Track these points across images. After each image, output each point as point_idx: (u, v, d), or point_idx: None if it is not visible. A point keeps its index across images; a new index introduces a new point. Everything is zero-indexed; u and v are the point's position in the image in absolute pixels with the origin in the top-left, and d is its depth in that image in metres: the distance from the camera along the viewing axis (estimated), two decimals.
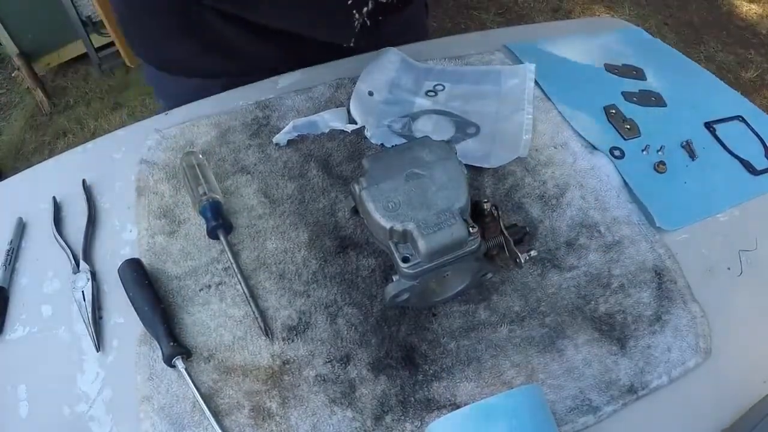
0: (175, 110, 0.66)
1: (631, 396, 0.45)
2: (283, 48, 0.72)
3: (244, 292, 0.50)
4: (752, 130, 0.65)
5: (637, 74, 0.71)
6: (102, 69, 2.12)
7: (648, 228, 0.55)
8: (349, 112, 0.64)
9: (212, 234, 0.53)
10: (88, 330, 0.49)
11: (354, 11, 0.67)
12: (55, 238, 0.55)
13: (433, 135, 0.58)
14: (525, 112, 0.63)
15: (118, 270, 0.51)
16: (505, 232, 0.48)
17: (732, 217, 0.58)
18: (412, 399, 0.45)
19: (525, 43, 0.73)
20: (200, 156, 0.58)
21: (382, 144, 0.61)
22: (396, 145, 0.58)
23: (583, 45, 0.74)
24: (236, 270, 0.51)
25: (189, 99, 0.69)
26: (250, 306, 0.49)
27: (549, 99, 0.67)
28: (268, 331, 0.48)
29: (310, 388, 0.46)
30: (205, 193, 0.54)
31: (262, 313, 0.49)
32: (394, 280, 0.46)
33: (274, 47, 0.72)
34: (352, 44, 0.70)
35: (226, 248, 0.52)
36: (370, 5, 0.66)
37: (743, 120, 0.66)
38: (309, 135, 0.62)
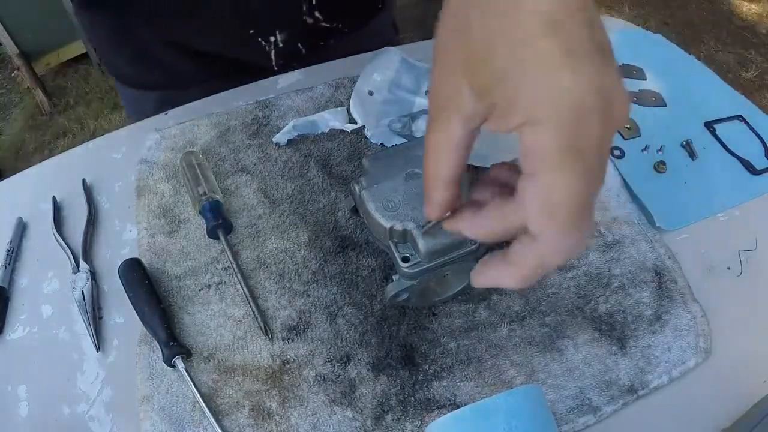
0: (175, 110, 0.66)
1: (631, 396, 0.45)
2: (210, 65, 0.71)
3: (243, 292, 0.50)
4: (752, 129, 0.65)
5: (637, 74, 0.71)
6: (102, 69, 2.12)
7: (648, 228, 0.55)
8: (349, 112, 0.64)
9: (212, 234, 0.53)
10: (88, 330, 0.49)
11: (260, 39, 0.68)
12: (55, 238, 0.55)
13: None
14: None
15: (118, 270, 0.51)
16: None
17: (732, 217, 0.58)
18: (412, 399, 0.45)
19: None
20: (200, 156, 0.58)
21: (382, 144, 0.61)
22: (396, 144, 0.58)
23: None
24: (236, 270, 0.51)
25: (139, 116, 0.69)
26: (250, 306, 0.49)
27: None
28: (267, 331, 0.48)
29: (310, 387, 0.46)
30: (205, 193, 0.54)
31: (262, 313, 0.49)
32: (394, 280, 0.45)
33: (201, 63, 0.71)
34: (275, 68, 0.71)
35: (226, 248, 0.52)
36: (278, 35, 0.68)
37: (743, 120, 0.66)
38: (309, 135, 0.62)
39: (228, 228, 0.54)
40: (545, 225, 0.30)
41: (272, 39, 0.69)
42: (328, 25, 0.72)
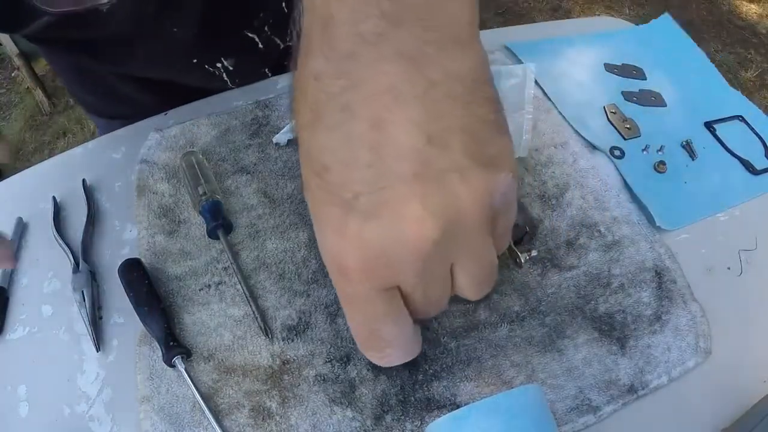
0: (175, 110, 0.66)
1: (631, 396, 0.45)
2: (167, 92, 0.69)
3: (243, 292, 0.50)
4: (752, 130, 0.65)
5: (637, 74, 0.71)
6: None
7: (648, 228, 0.55)
8: None
9: (212, 234, 0.53)
10: (88, 330, 0.49)
11: (206, 66, 0.67)
12: (55, 238, 0.55)
13: None
14: (525, 112, 0.63)
15: (118, 270, 0.51)
16: None
17: (732, 217, 0.58)
18: (412, 398, 0.45)
19: (525, 42, 0.73)
20: (200, 156, 0.58)
21: None
22: None
23: (583, 45, 0.74)
24: (236, 270, 0.51)
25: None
26: (250, 306, 0.49)
27: (549, 99, 0.67)
28: (267, 331, 0.48)
29: (310, 387, 0.46)
30: (205, 193, 0.54)
31: (262, 313, 0.49)
32: None
33: (157, 91, 0.70)
34: (233, 87, 0.69)
35: (226, 248, 0.52)
36: (225, 62, 0.67)
37: (743, 120, 0.66)
38: None
39: (228, 228, 0.54)
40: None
41: (219, 65, 0.68)
42: (290, 44, 0.70)
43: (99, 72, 0.68)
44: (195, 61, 0.66)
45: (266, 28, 0.67)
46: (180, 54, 0.65)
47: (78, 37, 0.60)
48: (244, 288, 0.50)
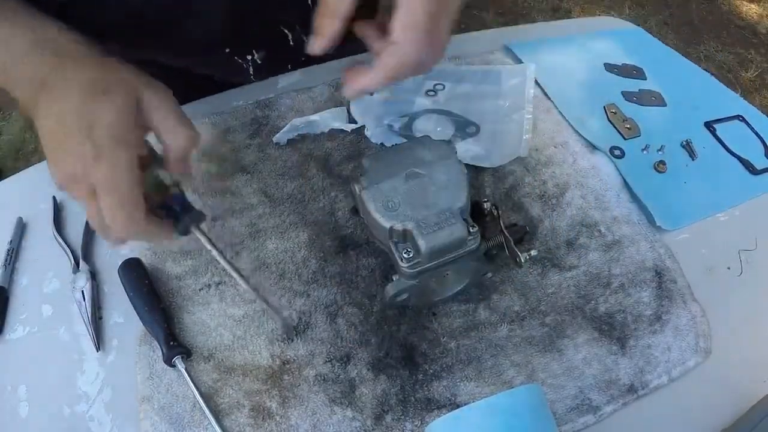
0: None
1: (631, 395, 0.45)
2: (189, 84, 0.67)
3: (245, 288, 0.49)
4: (752, 129, 0.65)
5: (637, 74, 0.71)
6: None
7: (648, 227, 0.55)
8: (349, 111, 0.64)
9: (184, 230, 0.44)
10: (88, 330, 0.49)
11: (236, 58, 0.68)
12: (55, 238, 0.55)
13: (433, 134, 0.58)
14: (525, 112, 0.63)
15: (118, 270, 0.51)
16: (505, 231, 0.48)
17: (732, 217, 0.58)
18: (412, 398, 0.45)
19: (525, 43, 0.73)
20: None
21: (382, 143, 0.61)
22: (396, 144, 0.58)
23: (583, 45, 0.74)
24: (216, 253, 0.44)
25: None
26: (258, 298, 0.46)
27: (549, 99, 0.67)
28: (289, 330, 0.48)
29: (310, 387, 0.46)
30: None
31: (270, 305, 0.47)
32: (394, 279, 0.45)
33: (171, 81, 0.70)
34: (252, 80, 0.70)
35: (202, 239, 0.44)
36: (256, 54, 0.68)
37: (743, 120, 0.66)
38: (309, 134, 0.62)
39: (197, 218, 0.44)
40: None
41: (249, 57, 0.69)
42: None
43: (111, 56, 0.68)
44: (227, 50, 0.67)
45: (297, 26, 0.68)
46: (213, 43, 0.66)
47: (106, 19, 0.59)
48: (244, 284, 0.47)
